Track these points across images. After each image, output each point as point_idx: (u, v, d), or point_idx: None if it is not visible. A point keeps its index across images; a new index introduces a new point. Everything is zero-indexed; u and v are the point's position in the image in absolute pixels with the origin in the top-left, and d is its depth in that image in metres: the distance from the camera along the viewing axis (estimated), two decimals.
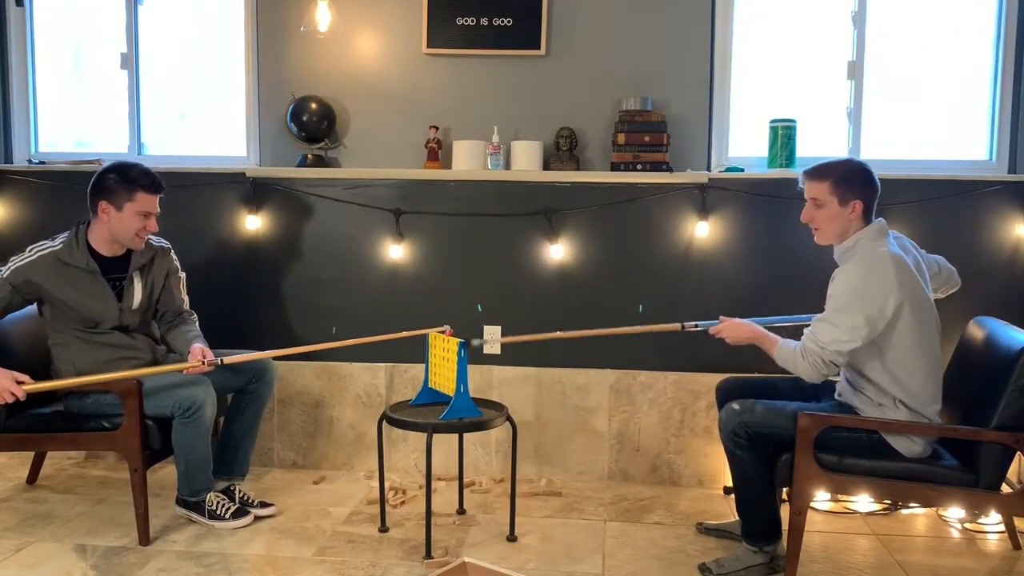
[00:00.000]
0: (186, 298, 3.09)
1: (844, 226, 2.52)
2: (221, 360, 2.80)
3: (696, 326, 2.78)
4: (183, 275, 3.09)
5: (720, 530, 2.91)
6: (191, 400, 2.75)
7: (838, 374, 2.58)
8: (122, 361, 2.88)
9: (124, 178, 2.80)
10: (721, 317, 2.73)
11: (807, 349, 2.44)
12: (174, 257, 3.07)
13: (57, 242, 2.86)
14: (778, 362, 2.55)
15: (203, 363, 2.77)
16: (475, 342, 2.81)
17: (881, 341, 2.44)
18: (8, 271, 2.80)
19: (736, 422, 2.50)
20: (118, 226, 2.83)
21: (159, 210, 2.88)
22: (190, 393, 2.76)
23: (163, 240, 3.05)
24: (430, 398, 2.91)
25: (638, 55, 3.39)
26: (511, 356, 3.49)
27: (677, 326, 2.81)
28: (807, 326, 2.51)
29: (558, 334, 2.97)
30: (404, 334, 3.00)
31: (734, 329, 2.67)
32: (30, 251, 2.85)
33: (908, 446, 2.45)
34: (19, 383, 2.63)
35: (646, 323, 3.40)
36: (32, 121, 3.79)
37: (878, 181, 2.54)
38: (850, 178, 2.51)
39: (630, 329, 2.98)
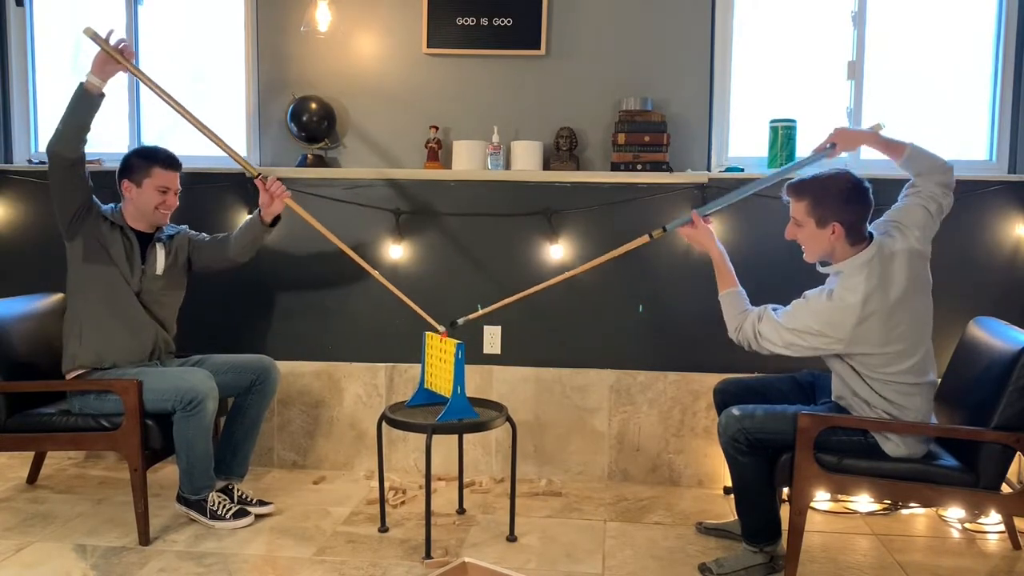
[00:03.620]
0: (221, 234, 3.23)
1: (826, 248, 2.46)
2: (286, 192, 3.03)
3: (664, 230, 2.78)
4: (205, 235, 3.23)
5: (720, 529, 2.91)
6: (193, 393, 2.76)
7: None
8: (123, 340, 2.93)
9: (142, 156, 3.01)
10: (694, 213, 2.71)
11: (744, 328, 2.50)
12: (192, 231, 3.22)
13: (104, 207, 3.04)
14: (721, 302, 2.61)
15: (281, 188, 2.99)
16: (460, 320, 2.84)
17: (854, 365, 2.46)
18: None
19: (736, 428, 2.50)
20: (140, 201, 2.98)
21: (178, 187, 3.03)
22: (192, 386, 2.77)
23: (183, 225, 3.22)
24: (426, 399, 2.91)
25: (638, 55, 3.39)
26: (511, 356, 3.49)
27: (645, 238, 2.80)
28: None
29: (525, 293, 2.97)
30: (417, 308, 3.02)
31: (699, 237, 2.68)
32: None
33: (894, 448, 2.45)
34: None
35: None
36: (32, 121, 3.79)
37: (869, 197, 2.44)
38: (828, 198, 2.41)
39: (603, 258, 2.90)
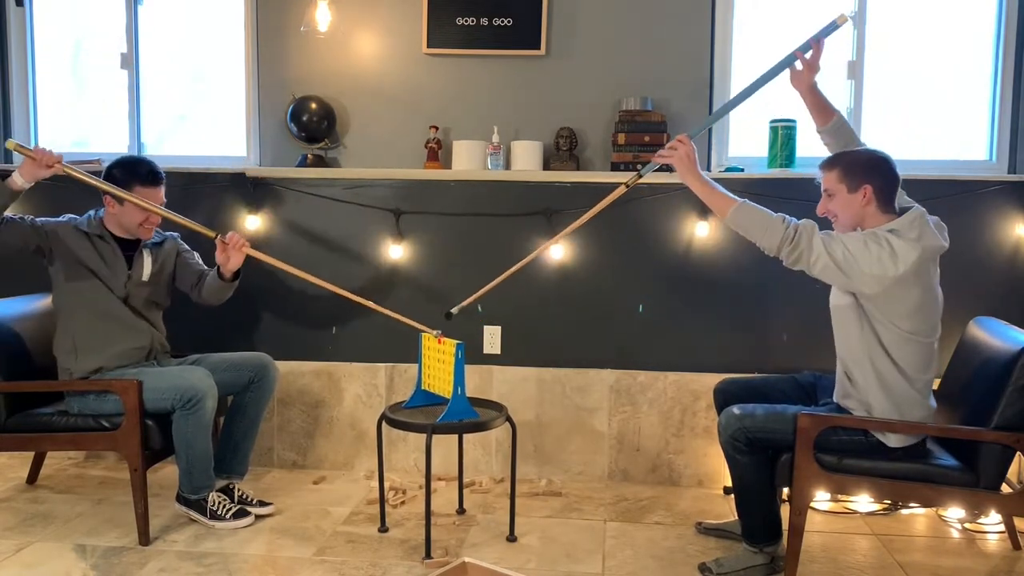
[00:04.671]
0: (204, 266, 3.16)
1: (857, 213, 2.44)
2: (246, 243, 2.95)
3: (640, 175, 2.69)
4: (196, 253, 3.20)
5: (720, 530, 2.91)
6: (192, 391, 2.76)
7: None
8: (118, 343, 2.93)
9: (124, 172, 2.93)
10: (682, 136, 2.59)
11: (800, 234, 2.37)
12: (182, 242, 3.19)
13: (80, 217, 3.02)
14: (733, 220, 2.46)
15: (239, 241, 2.91)
16: (453, 310, 2.85)
17: (879, 317, 2.41)
18: (38, 219, 2.95)
19: (736, 427, 2.49)
20: (123, 218, 2.96)
21: (163, 201, 2.98)
22: (191, 384, 2.77)
23: (171, 232, 3.18)
24: (424, 399, 2.91)
25: (638, 55, 3.39)
26: (511, 356, 3.49)
27: (621, 188, 2.70)
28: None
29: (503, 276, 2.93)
30: (406, 319, 3.00)
31: (685, 159, 2.53)
32: (60, 217, 3.02)
33: (891, 436, 2.45)
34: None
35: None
36: (32, 121, 3.79)
37: (896, 169, 2.45)
38: (859, 164, 2.44)
39: (584, 218, 2.79)
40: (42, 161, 2.71)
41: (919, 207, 2.46)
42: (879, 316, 2.41)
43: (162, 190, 2.97)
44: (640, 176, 2.71)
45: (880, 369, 2.44)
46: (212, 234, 2.94)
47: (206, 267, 3.14)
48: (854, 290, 2.42)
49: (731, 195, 2.51)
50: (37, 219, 2.94)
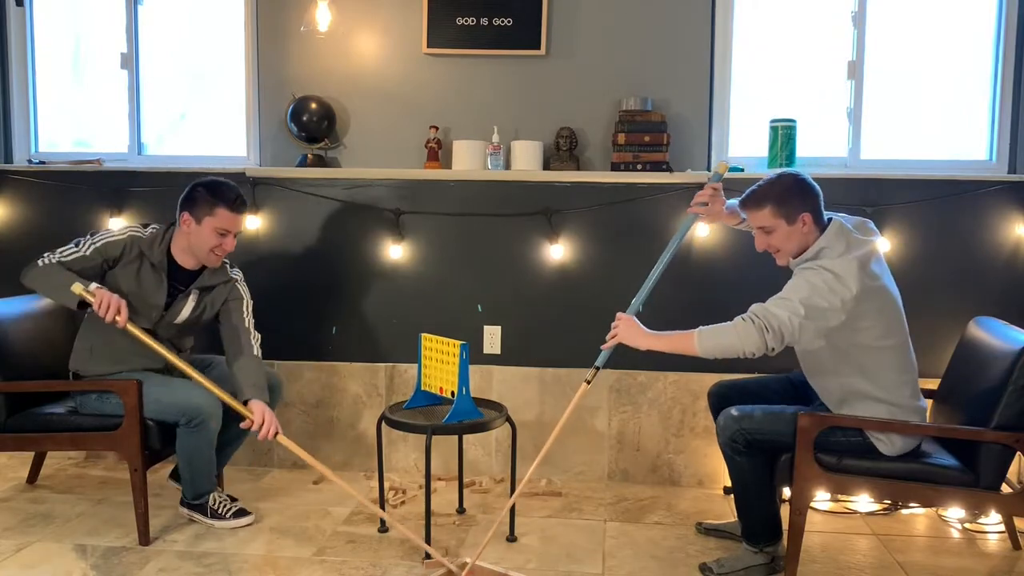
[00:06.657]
0: (248, 319, 2.95)
1: (801, 241, 2.46)
2: (278, 431, 2.75)
3: (597, 368, 2.57)
4: (249, 301, 2.99)
5: (720, 530, 2.91)
6: (196, 411, 2.75)
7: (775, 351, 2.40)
8: (136, 358, 2.86)
9: (210, 192, 2.82)
10: (619, 315, 2.53)
11: (769, 323, 2.34)
12: (239, 287, 2.99)
13: (147, 232, 2.89)
14: (706, 350, 2.42)
15: (267, 431, 2.72)
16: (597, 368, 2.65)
17: (844, 343, 2.42)
18: (101, 242, 2.82)
19: (735, 429, 2.49)
20: (195, 239, 2.83)
21: (240, 230, 2.88)
22: (196, 405, 2.75)
23: (237, 271, 3.02)
24: (424, 400, 2.91)
25: (638, 55, 3.39)
26: (511, 356, 3.49)
27: (583, 385, 2.59)
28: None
29: None
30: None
31: (627, 338, 2.49)
32: (121, 231, 2.88)
33: (887, 445, 2.45)
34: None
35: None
36: (32, 121, 3.79)
37: (815, 185, 2.47)
38: (788, 195, 2.44)
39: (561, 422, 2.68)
40: (101, 311, 2.62)
41: (836, 218, 2.48)
42: (848, 339, 2.42)
43: (244, 219, 2.88)
44: (598, 369, 2.59)
45: (861, 391, 2.46)
46: (245, 413, 2.72)
47: (248, 326, 2.92)
48: (827, 329, 2.38)
49: (685, 332, 2.45)
50: (98, 241, 2.80)
